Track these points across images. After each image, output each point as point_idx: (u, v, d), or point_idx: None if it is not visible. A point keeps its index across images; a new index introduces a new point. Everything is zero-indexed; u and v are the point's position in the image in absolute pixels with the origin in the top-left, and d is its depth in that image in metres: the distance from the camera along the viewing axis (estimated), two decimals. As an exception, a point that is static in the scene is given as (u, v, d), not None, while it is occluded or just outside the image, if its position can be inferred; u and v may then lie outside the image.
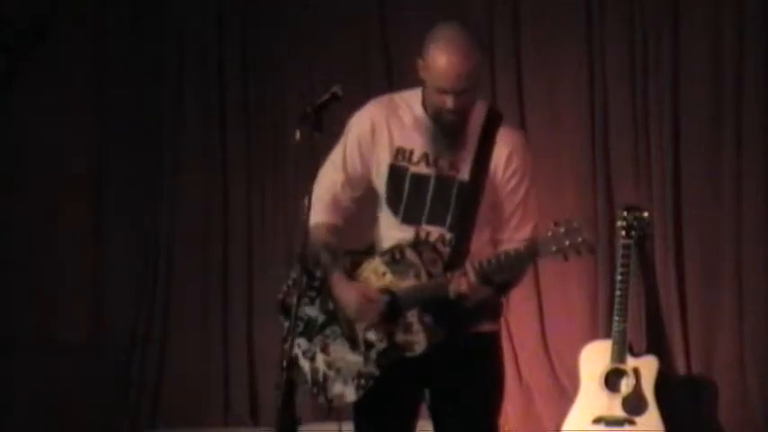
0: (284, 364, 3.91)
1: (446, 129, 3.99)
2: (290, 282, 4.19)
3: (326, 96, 4.04)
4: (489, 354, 4.15)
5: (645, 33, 6.54)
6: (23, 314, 7.14)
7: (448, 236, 4.02)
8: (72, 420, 7.07)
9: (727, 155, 6.38)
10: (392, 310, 4.02)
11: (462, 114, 3.97)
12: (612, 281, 6.31)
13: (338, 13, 7.12)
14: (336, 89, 4.05)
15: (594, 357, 6.16)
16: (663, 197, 6.46)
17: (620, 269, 6.19)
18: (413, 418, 4.21)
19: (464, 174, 4.02)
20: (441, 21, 4.05)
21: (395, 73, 6.90)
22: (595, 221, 6.57)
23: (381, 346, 4.02)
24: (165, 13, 7.44)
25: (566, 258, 3.85)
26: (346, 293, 4.04)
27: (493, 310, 4.13)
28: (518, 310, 6.71)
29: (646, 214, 6.27)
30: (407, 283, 4.01)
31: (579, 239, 3.82)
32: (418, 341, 3.98)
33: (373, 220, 4.21)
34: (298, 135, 4.02)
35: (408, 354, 3.99)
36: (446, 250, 4.01)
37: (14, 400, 7.08)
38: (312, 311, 4.15)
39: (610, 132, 6.61)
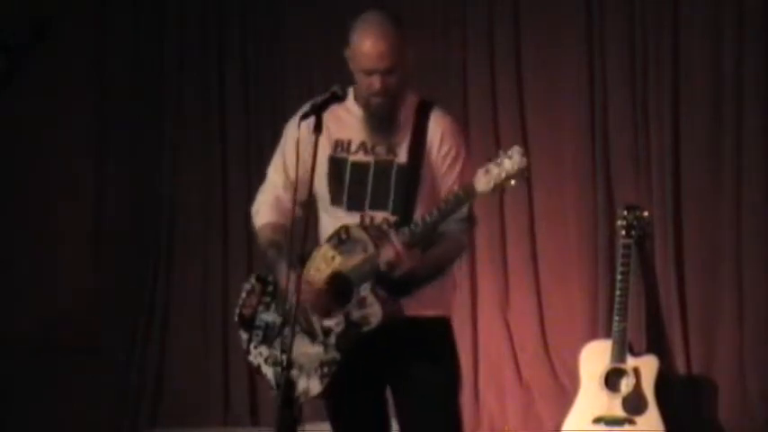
0: (283, 363, 3.92)
1: (377, 113, 4.09)
2: (243, 294, 4.24)
3: (326, 96, 4.10)
4: (440, 336, 4.18)
5: (645, 33, 6.54)
6: (23, 314, 7.14)
7: (392, 218, 4.09)
8: (72, 420, 7.07)
9: (727, 155, 6.38)
10: (344, 290, 4.04)
11: (391, 97, 4.07)
12: (612, 281, 6.31)
13: (338, 13, 7.12)
14: (336, 89, 4.11)
15: (594, 357, 6.17)
16: (663, 196, 6.46)
17: (620, 269, 6.19)
18: (382, 406, 4.25)
19: (401, 157, 4.11)
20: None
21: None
22: (595, 221, 6.58)
23: (339, 328, 4.06)
24: (165, 13, 7.45)
25: (503, 191, 3.89)
26: (286, 281, 4.05)
27: (442, 292, 4.17)
28: (518, 310, 6.72)
29: (646, 214, 6.28)
30: (356, 259, 4.05)
31: (515, 167, 3.85)
32: (373, 313, 4.02)
33: (315, 227, 4.25)
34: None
35: (365, 328, 4.02)
36: (391, 231, 4.05)
37: (14, 400, 7.08)
38: (269, 317, 4.19)
39: (610, 132, 6.61)
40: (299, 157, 4.05)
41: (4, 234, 7.20)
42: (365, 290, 4.03)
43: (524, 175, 3.87)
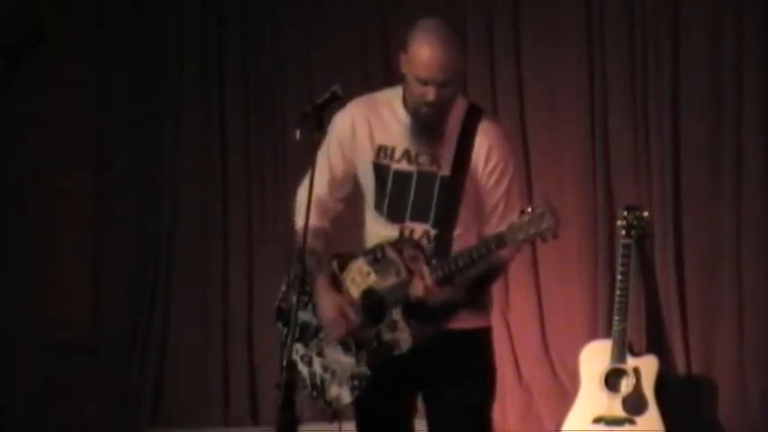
0: (284, 363, 3.92)
1: (425, 123, 4.01)
2: (283, 287, 4.23)
3: (326, 96, 4.08)
4: (477, 350, 4.15)
5: (645, 33, 6.54)
6: (23, 314, 7.14)
7: (432, 232, 4.04)
8: (72, 420, 7.07)
9: (727, 155, 6.38)
10: (378, 310, 4.04)
11: (442, 108, 3.99)
12: (612, 281, 6.31)
13: (338, 12, 7.12)
14: (336, 89, 4.09)
15: (594, 357, 6.17)
16: (663, 197, 6.46)
17: (620, 269, 6.19)
18: (409, 417, 4.23)
19: (445, 169, 4.04)
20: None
21: (395, 73, 6.88)
22: (595, 221, 6.58)
23: (371, 346, 4.05)
24: (165, 13, 7.44)
25: (532, 244, 3.92)
26: (324, 303, 4.09)
27: (478, 305, 4.14)
28: (518, 310, 6.72)
29: (646, 214, 6.28)
30: (389, 281, 4.03)
31: (544, 226, 3.83)
32: (404, 338, 4.01)
33: (361, 222, 4.24)
34: (298, 135, 4.04)
35: (396, 352, 4.02)
36: (429, 246, 4.03)
37: (14, 400, 7.08)
38: (306, 316, 4.17)
39: (610, 132, 6.61)
40: (336, 154, 4.10)
41: (4, 234, 7.19)
42: (397, 314, 4.01)
43: (554, 234, 3.85)
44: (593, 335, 6.44)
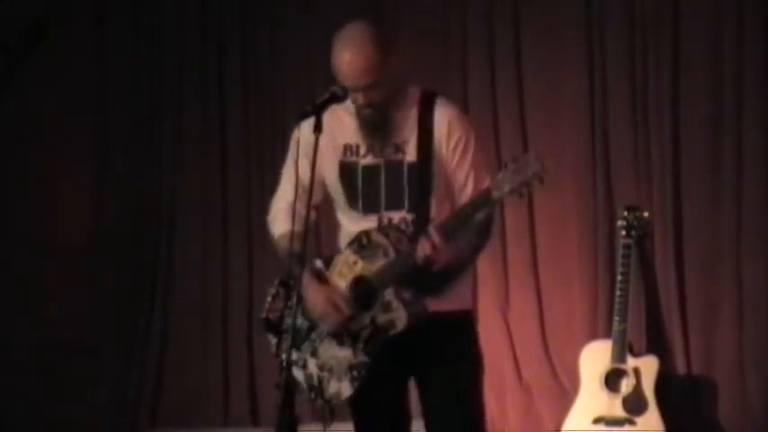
0: (283, 363, 3.92)
1: (368, 122, 4.09)
2: (269, 298, 4.25)
3: (326, 96, 4.11)
4: (463, 332, 4.21)
5: (645, 33, 6.54)
6: (23, 314, 7.14)
7: (409, 217, 4.09)
8: (72, 420, 7.07)
9: (727, 155, 6.38)
10: (369, 297, 4.07)
11: (380, 107, 4.05)
12: (612, 281, 6.31)
13: (338, 13, 7.11)
14: (336, 89, 4.11)
15: (594, 357, 6.17)
16: (663, 197, 6.46)
17: (620, 269, 6.20)
18: (403, 399, 4.28)
19: (411, 155, 4.10)
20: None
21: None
22: (595, 221, 6.57)
23: (366, 333, 4.08)
24: (164, 13, 7.44)
25: (521, 195, 3.90)
26: (313, 297, 4.12)
27: (462, 284, 4.19)
28: (518, 310, 6.72)
29: (646, 214, 6.28)
30: (378, 264, 4.07)
31: (530, 172, 3.86)
32: (399, 317, 4.04)
33: (336, 228, 4.29)
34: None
35: (392, 332, 4.05)
36: (410, 230, 4.07)
37: (14, 400, 7.08)
38: (296, 321, 4.17)
39: (610, 132, 6.61)
40: (303, 160, 4.09)
41: (4, 234, 7.19)
42: (389, 294, 4.05)
43: (540, 179, 3.87)
44: (593, 335, 6.44)
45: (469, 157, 4.11)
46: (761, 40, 6.32)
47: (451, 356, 4.15)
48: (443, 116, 4.12)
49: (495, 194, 3.90)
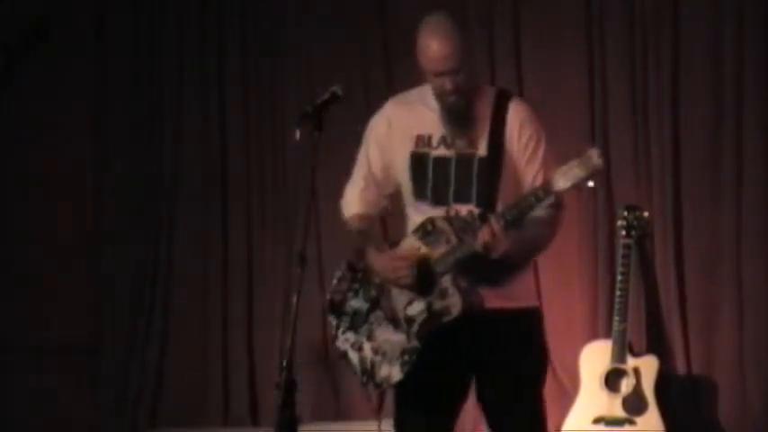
0: (284, 364, 3.92)
1: (454, 110, 4.15)
2: (335, 281, 4.30)
3: (326, 96, 4.17)
4: (528, 330, 4.24)
5: (645, 33, 6.54)
6: (23, 314, 7.14)
7: (476, 211, 4.14)
8: (72, 420, 7.07)
9: (727, 155, 6.38)
10: (428, 279, 4.10)
11: (464, 93, 4.13)
12: (612, 281, 6.31)
13: (338, 12, 7.12)
14: (336, 89, 4.16)
15: (594, 357, 6.17)
16: (663, 197, 6.46)
17: (620, 269, 6.19)
18: (459, 402, 4.29)
19: (482, 150, 4.16)
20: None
21: (395, 73, 6.90)
22: (595, 221, 6.57)
23: (422, 318, 4.11)
24: (164, 13, 7.45)
25: (580, 190, 4.02)
26: (378, 262, 4.19)
27: (525, 281, 4.24)
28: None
29: (646, 214, 6.28)
30: (440, 250, 4.12)
31: (591, 168, 3.95)
32: (454, 303, 4.08)
33: (403, 220, 4.32)
34: (297, 134, 4.10)
35: (446, 318, 4.09)
36: (476, 223, 4.11)
37: (14, 401, 7.08)
38: (357, 303, 4.25)
39: (610, 132, 6.61)
40: (374, 151, 4.24)
41: (4, 234, 7.20)
42: (446, 281, 4.09)
43: (600, 175, 3.97)
44: (593, 335, 6.44)
45: (539, 156, 4.19)
46: (761, 40, 6.31)
47: (517, 355, 4.19)
48: (516, 114, 4.19)
49: (557, 187, 3.98)
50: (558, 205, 4.16)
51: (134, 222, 7.44)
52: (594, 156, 3.95)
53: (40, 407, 7.05)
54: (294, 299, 4.03)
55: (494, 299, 4.14)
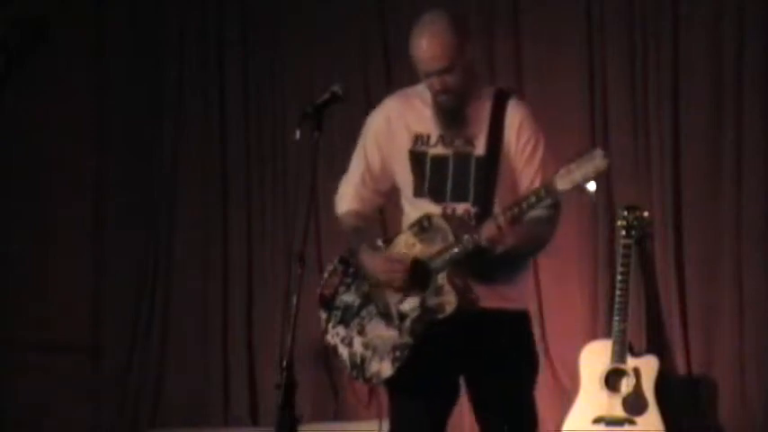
0: (284, 364, 3.92)
1: (445, 110, 4.13)
2: (326, 275, 4.29)
3: (326, 96, 4.16)
4: (518, 332, 4.23)
5: (645, 33, 6.54)
6: (23, 314, 7.14)
7: (473, 210, 4.13)
8: (72, 420, 7.07)
9: (727, 155, 6.38)
10: (423, 277, 4.09)
11: (456, 93, 4.10)
12: (612, 281, 6.31)
13: (338, 12, 7.12)
14: (336, 89, 4.16)
15: (594, 357, 6.16)
16: (663, 197, 6.46)
17: (620, 269, 6.19)
18: (451, 402, 4.27)
19: (480, 149, 4.14)
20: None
21: (395, 72, 6.90)
22: (595, 221, 6.57)
23: (415, 314, 4.10)
24: (164, 13, 7.45)
25: (582, 191, 3.95)
26: (372, 263, 4.16)
27: (518, 284, 4.22)
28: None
29: (646, 214, 6.28)
30: (436, 247, 4.10)
31: (594, 168, 3.90)
32: (449, 301, 4.06)
33: (399, 218, 4.31)
34: (298, 134, 4.10)
35: (440, 315, 4.07)
36: (472, 222, 4.10)
37: (14, 400, 7.08)
38: (349, 297, 4.23)
39: (610, 132, 6.61)
40: (372, 147, 4.22)
41: (5, 233, 7.20)
42: (442, 278, 4.07)
43: (602, 176, 3.94)
44: (593, 335, 6.44)
45: (538, 157, 4.16)
46: (761, 40, 6.31)
47: (509, 356, 4.18)
48: (515, 115, 4.16)
49: (560, 187, 3.94)
50: (556, 205, 4.15)
51: (134, 222, 7.44)
52: (598, 156, 3.91)
53: (40, 407, 7.05)
54: (294, 299, 4.03)
55: (489, 298, 4.12)
